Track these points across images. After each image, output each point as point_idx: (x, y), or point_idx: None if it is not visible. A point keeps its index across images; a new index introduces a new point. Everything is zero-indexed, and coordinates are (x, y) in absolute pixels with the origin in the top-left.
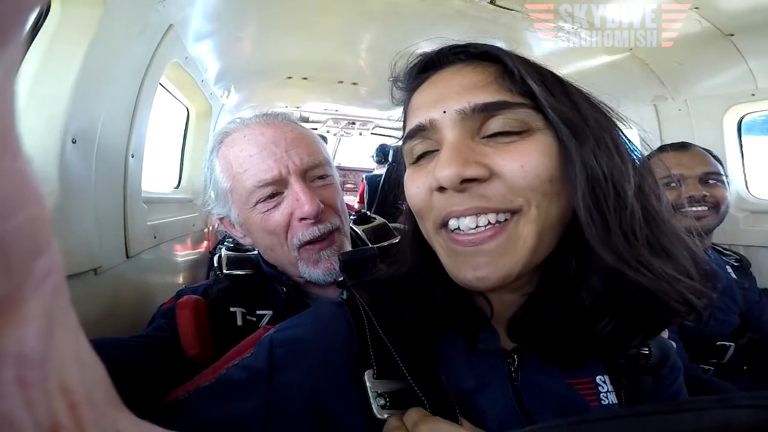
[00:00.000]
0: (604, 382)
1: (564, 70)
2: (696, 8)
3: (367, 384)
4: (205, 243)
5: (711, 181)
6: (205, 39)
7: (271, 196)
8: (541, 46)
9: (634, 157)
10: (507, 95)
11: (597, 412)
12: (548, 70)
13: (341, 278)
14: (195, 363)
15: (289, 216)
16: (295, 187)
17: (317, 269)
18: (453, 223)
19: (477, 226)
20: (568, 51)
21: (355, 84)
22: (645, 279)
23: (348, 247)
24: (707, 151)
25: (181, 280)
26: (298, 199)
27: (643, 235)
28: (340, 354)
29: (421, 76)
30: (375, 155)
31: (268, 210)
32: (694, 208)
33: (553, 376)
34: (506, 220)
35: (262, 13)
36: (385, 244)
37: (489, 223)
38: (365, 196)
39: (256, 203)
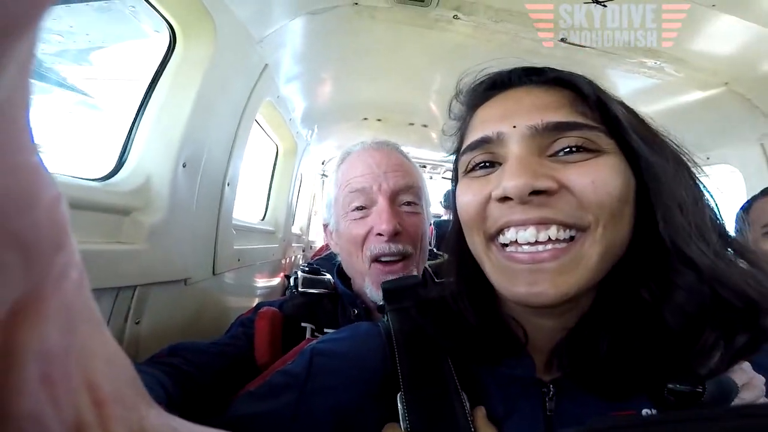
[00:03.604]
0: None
1: (651, 108)
2: None
3: (399, 405)
4: (282, 273)
5: None
6: (293, 80)
7: (360, 208)
8: (626, 84)
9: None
10: (580, 118)
11: (629, 417)
12: (621, 101)
13: (381, 303)
14: (263, 371)
15: (369, 230)
16: (380, 205)
17: (378, 291)
18: (510, 235)
19: (537, 242)
20: (655, 88)
21: (425, 126)
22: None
23: None
24: None
25: (256, 301)
26: (380, 216)
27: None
28: (373, 371)
29: (487, 93)
30: (443, 200)
31: (355, 220)
32: None
33: (591, 407)
34: (572, 238)
35: (342, 54)
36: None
37: (549, 239)
38: (433, 239)
39: (349, 211)
